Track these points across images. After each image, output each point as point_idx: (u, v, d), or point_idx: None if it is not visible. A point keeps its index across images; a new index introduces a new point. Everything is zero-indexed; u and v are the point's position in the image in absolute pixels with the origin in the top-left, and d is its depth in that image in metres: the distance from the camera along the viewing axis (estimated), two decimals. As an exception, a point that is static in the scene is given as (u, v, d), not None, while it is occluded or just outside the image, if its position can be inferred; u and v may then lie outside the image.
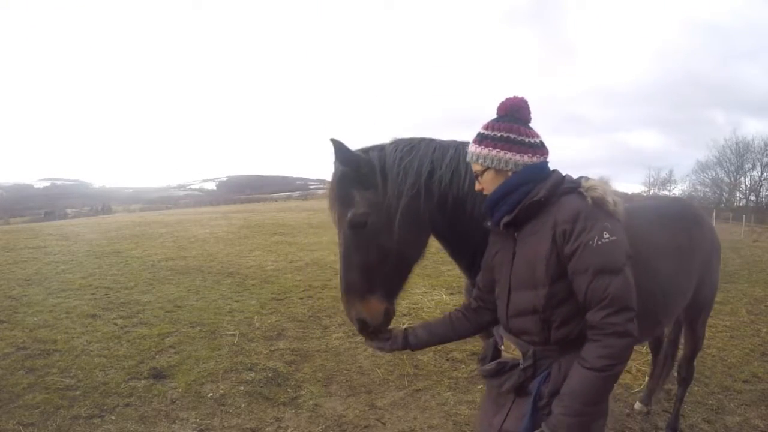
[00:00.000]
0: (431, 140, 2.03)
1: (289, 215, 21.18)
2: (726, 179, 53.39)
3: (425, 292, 7.12)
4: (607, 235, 1.48)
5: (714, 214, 29.10)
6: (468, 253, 2.06)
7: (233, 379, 4.13)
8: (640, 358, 4.60)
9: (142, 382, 4.00)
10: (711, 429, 3.45)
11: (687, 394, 3.47)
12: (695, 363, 3.35)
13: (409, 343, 1.91)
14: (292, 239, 12.84)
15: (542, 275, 1.56)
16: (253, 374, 4.22)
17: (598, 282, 1.47)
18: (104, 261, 9.51)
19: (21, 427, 3.28)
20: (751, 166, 51.75)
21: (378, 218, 1.85)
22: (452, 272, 8.23)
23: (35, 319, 5.61)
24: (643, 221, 2.37)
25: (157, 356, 4.56)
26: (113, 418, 3.45)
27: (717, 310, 6.05)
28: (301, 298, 6.81)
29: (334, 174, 1.95)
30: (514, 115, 1.67)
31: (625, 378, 4.25)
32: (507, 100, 1.69)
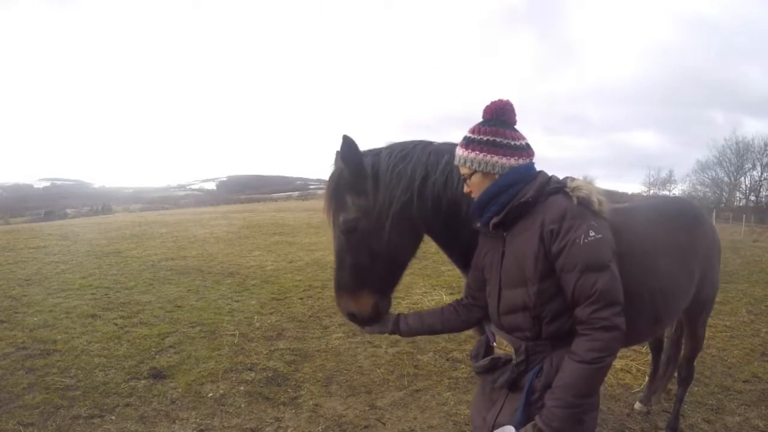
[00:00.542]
0: (427, 144, 2.04)
1: (289, 215, 21.18)
2: (726, 179, 53.42)
3: (425, 292, 7.11)
4: (593, 233, 1.54)
5: (714, 214, 29.10)
6: (463, 253, 2.08)
7: (233, 379, 4.13)
8: (640, 358, 4.60)
9: (142, 382, 4.00)
10: (711, 429, 3.44)
11: (687, 394, 3.47)
12: (695, 363, 3.35)
13: (400, 329, 2.01)
14: (292, 239, 12.84)
15: (531, 273, 1.61)
16: (253, 374, 4.22)
17: (585, 279, 1.52)
18: (104, 261, 9.51)
19: (21, 427, 3.28)
20: (751, 166, 51.79)
21: (368, 223, 1.90)
22: (452, 272, 8.23)
23: (35, 319, 5.61)
24: (644, 220, 2.37)
25: (157, 356, 4.56)
26: (113, 418, 3.45)
27: (717, 310, 6.04)
28: (301, 298, 6.81)
29: (331, 176, 2.00)
30: (500, 118, 1.71)
31: (625, 378, 4.26)
32: (492, 103, 1.73)
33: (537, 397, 1.62)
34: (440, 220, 2.00)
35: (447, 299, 6.71)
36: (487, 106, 1.73)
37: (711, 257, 2.82)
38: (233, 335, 5.18)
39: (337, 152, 1.97)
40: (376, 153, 1.99)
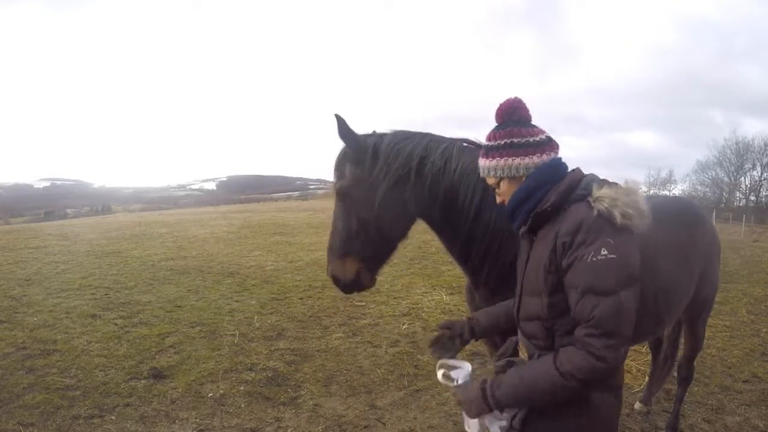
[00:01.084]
0: (429, 134, 2.16)
1: (289, 215, 21.17)
2: (726, 179, 53.42)
3: (425, 292, 7.11)
4: (605, 252, 1.38)
5: (714, 214, 29.09)
6: (459, 245, 2.15)
7: (233, 379, 4.13)
8: (640, 358, 4.60)
9: (142, 382, 4.00)
10: (711, 429, 3.44)
11: (687, 394, 3.47)
12: (695, 363, 3.35)
13: (475, 333, 1.89)
14: (292, 239, 12.84)
15: (542, 285, 1.52)
16: (253, 374, 4.22)
17: (585, 301, 1.40)
18: (104, 261, 9.50)
19: (21, 427, 3.28)
20: (751, 166, 51.79)
21: (361, 192, 2.04)
22: (452, 272, 8.23)
23: (35, 319, 5.61)
24: None
25: (157, 356, 4.56)
26: (113, 418, 3.45)
27: (717, 310, 6.04)
28: (301, 298, 6.80)
29: (339, 151, 2.16)
30: (511, 118, 1.62)
31: (625, 378, 4.25)
32: (501, 104, 1.65)
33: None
34: (437, 207, 2.08)
35: (447, 299, 6.71)
36: (497, 109, 1.65)
37: (711, 257, 2.83)
38: (233, 335, 5.18)
39: None
40: (381, 135, 2.13)
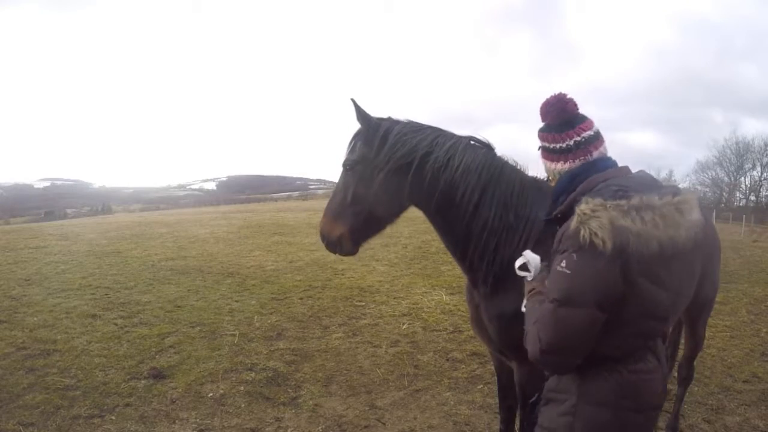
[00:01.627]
0: (439, 129, 2.25)
1: (289, 215, 21.16)
2: (726, 179, 53.41)
3: (425, 292, 7.11)
4: (564, 265, 1.40)
5: (714, 214, 29.07)
6: (456, 241, 2.24)
7: (233, 379, 4.13)
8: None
9: (142, 382, 4.00)
10: (711, 429, 3.44)
11: (687, 394, 3.47)
12: (695, 363, 3.35)
13: None
14: (292, 239, 12.83)
15: None
16: (253, 374, 4.22)
17: (544, 300, 1.50)
18: (104, 261, 9.50)
19: (21, 427, 3.28)
20: (751, 166, 51.77)
21: (363, 170, 2.18)
22: (452, 272, 8.23)
23: (35, 319, 5.61)
24: None
25: (157, 356, 4.56)
26: (113, 418, 3.45)
27: (717, 310, 6.04)
28: (301, 298, 6.80)
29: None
30: (545, 121, 1.71)
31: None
32: (540, 105, 1.70)
33: (541, 400, 1.64)
34: (433, 201, 2.17)
35: (447, 299, 6.71)
36: (539, 109, 1.72)
37: (712, 257, 2.82)
38: (233, 335, 5.18)
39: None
40: (395, 122, 2.23)
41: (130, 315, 5.84)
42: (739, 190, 53.45)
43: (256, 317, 5.85)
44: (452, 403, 3.77)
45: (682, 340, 3.38)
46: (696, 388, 3.93)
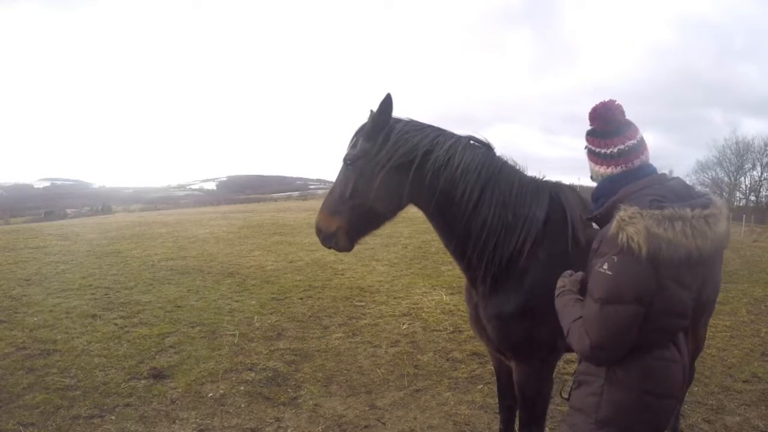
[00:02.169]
0: (441, 129, 2.28)
1: (289, 215, 21.17)
2: (726, 179, 53.34)
3: (425, 292, 7.11)
4: (605, 267, 1.54)
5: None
6: (455, 240, 2.25)
7: (233, 379, 4.13)
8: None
9: (142, 382, 4.00)
10: (711, 429, 3.44)
11: (687, 394, 3.47)
12: (695, 363, 3.35)
13: None
14: (292, 239, 12.83)
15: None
16: (253, 374, 4.22)
17: (586, 300, 1.63)
18: (104, 261, 9.51)
19: (21, 427, 3.28)
20: (751, 166, 51.69)
21: (364, 166, 2.19)
22: (452, 272, 8.23)
23: (35, 319, 5.61)
24: None
25: (157, 356, 4.56)
26: (113, 418, 3.45)
27: (717, 310, 6.03)
28: (301, 298, 6.80)
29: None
30: (592, 125, 1.81)
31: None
32: (590, 110, 1.81)
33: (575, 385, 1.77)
34: (434, 200, 2.19)
35: (447, 299, 6.71)
36: (588, 114, 1.82)
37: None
38: (233, 335, 5.18)
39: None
40: (397, 120, 2.24)
41: (130, 315, 5.85)
42: (739, 190, 53.42)
43: (256, 317, 5.85)
44: (452, 403, 3.78)
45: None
46: (696, 388, 3.93)
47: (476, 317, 2.40)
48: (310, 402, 3.77)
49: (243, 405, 3.70)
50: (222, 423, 3.44)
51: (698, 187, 2.05)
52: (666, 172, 1.85)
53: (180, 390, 3.88)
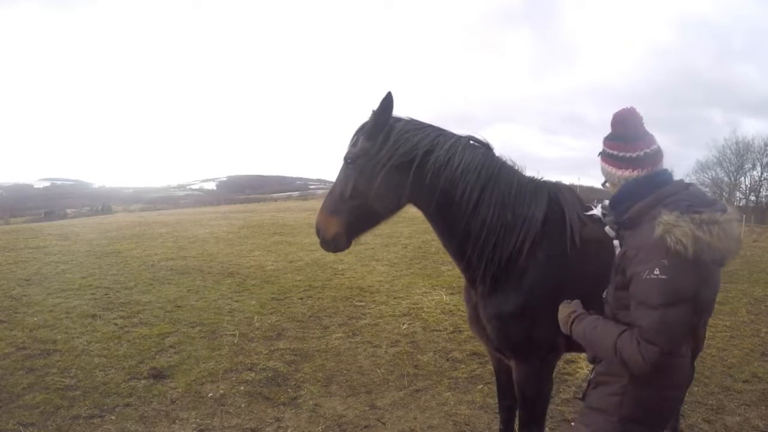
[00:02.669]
0: (441, 128, 2.28)
1: (289, 215, 21.17)
2: (726, 179, 53.32)
3: (425, 292, 7.11)
4: (657, 272, 1.56)
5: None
6: (455, 240, 2.25)
7: (233, 379, 4.13)
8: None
9: (142, 382, 4.00)
10: (711, 429, 3.44)
11: (687, 394, 3.47)
12: (695, 363, 3.35)
13: None
14: (292, 239, 12.83)
15: (612, 277, 1.79)
16: (253, 374, 4.22)
17: (638, 311, 1.61)
18: (104, 261, 9.51)
19: (21, 427, 3.28)
20: (751, 166, 51.64)
21: (364, 165, 2.18)
22: (452, 272, 8.23)
23: (35, 319, 5.61)
24: None
25: (157, 356, 4.56)
26: (113, 418, 3.45)
27: (717, 310, 6.03)
28: (301, 298, 6.80)
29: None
30: (616, 131, 1.83)
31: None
32: (612, 116, 1.84)
33: (592, 384, 1.84)
34: (434, 200, 2.19)
35: (447, 299, 6.71)
36: (611, 120, 1.84)
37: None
38: (233, 335, 5.18)
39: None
40: (397, 119, 2.24)
41: (130, 315, 5.85)
42: (739, 190, 53.39)
43: (256, 317, 5.85)
44: (452, 403, 3.78)
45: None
46: (696, 388, 3.93)
47: (475, 317, 2.41)
48: (310, 402, 3.77)
49: (243, 405, 3.70)
50: (222, 423, 3.44)
51: (698, 187, 2.05)
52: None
53: (180, 390, 3.88)
